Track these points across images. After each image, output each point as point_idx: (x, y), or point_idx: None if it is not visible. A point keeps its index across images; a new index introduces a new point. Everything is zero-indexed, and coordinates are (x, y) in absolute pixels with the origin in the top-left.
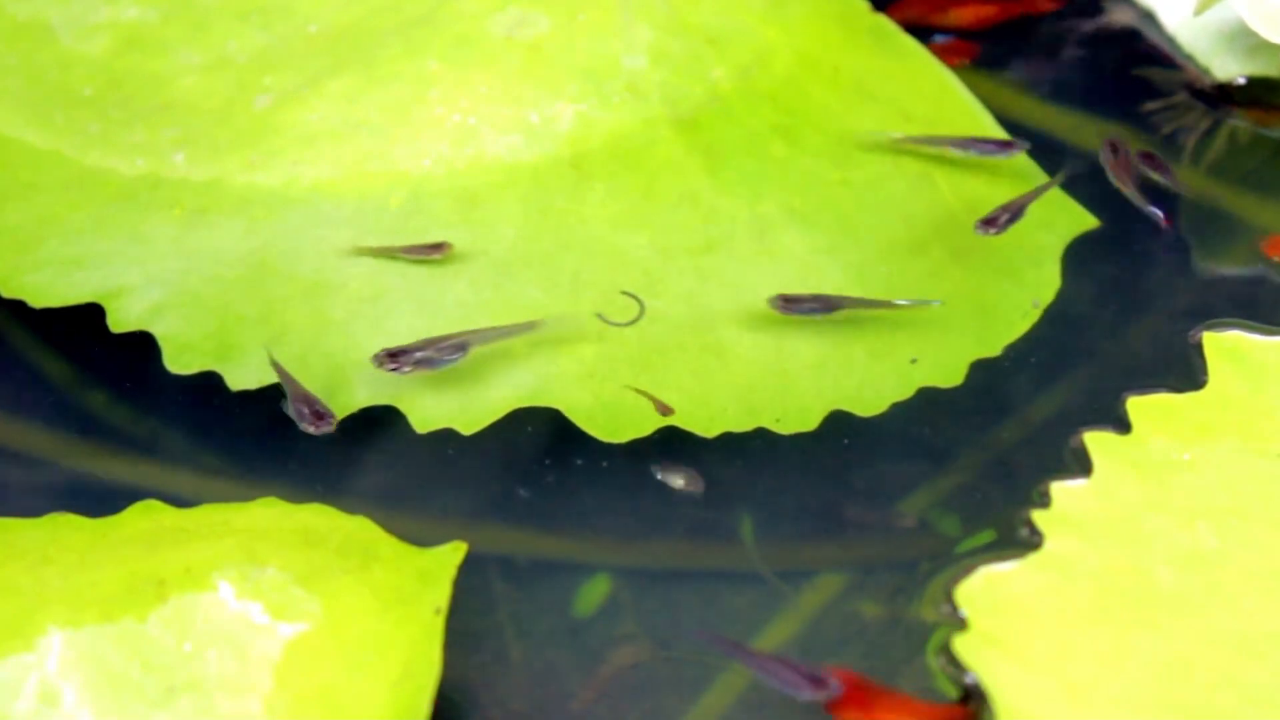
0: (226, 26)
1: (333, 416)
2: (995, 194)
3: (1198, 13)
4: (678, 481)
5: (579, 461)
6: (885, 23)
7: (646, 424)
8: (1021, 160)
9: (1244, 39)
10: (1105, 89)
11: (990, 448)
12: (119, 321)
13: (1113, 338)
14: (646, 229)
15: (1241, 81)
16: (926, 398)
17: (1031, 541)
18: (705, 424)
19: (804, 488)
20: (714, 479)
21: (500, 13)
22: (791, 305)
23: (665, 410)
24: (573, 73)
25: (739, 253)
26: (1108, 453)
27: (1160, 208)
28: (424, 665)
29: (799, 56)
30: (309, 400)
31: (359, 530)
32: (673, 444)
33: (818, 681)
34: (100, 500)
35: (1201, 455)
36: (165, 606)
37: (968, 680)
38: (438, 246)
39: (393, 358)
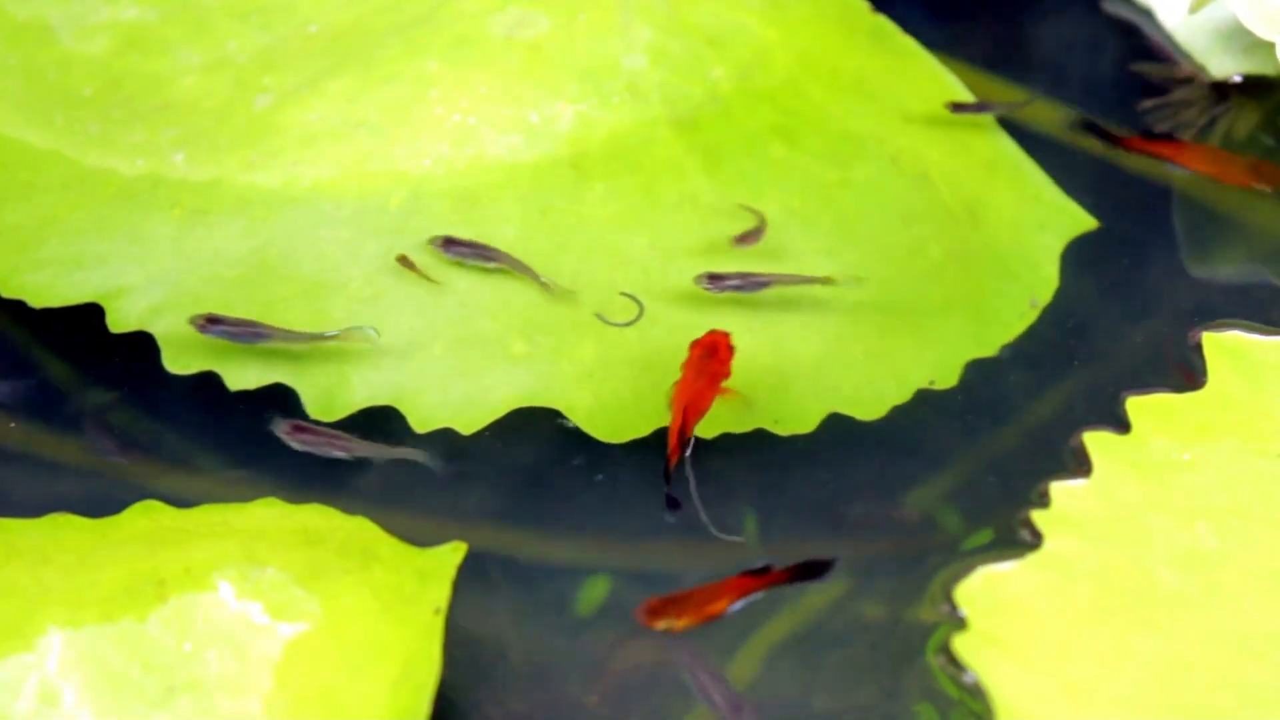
0: (226, 26)
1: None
2: (993, 193)
3: (1193, 11)
4: None
5: (579, 461)
6: (885, 23)
7: (646, 425)
8: (1022, 160)
9: (1240, 37)
10: (1104, 87)
11: (990, 448)
12: (119, 321)
13: (1113, 338)
14: (646, 229)
15: (1238, 80)
16: (925, 397)
17: (1031, 541)
18: (705, 424)
19: (804, 487)
20: (714, 479)
21: (500, 13)
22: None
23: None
24: (573, 73)
25: (739, 253)
26: (1108, 453)
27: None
28: (424, 665)
29: (799, 56)
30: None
31: (359, 530)
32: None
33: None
34: (100, 500)
35: (1201, 455)
36: (165, 606)
37: (967, 680)
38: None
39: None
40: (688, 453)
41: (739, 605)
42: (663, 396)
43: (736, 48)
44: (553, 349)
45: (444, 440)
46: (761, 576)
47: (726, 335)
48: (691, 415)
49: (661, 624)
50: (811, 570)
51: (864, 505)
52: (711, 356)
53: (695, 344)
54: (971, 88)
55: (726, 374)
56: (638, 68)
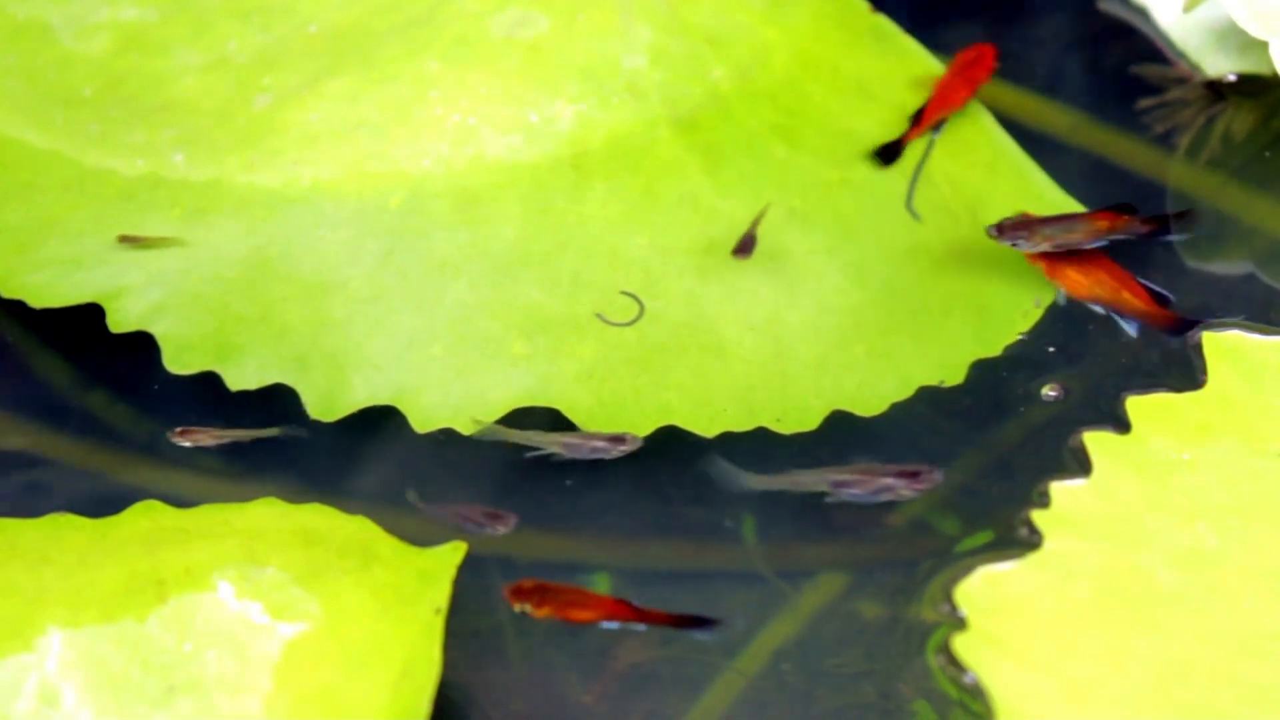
0: (226, 26)
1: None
2: (994, 193)
3: (1187, 9)
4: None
5: (578, 461)
6: (885, 23)
7: (646, 424)
8: (1022, 159)
9: (1234, 36)
10: (1103, 87)
11: (990, 448)
12: (119, 321)
13: (1113, 338)
14: (646, 229)
15: (1233, 79)
16: (926, 397)
17: (1031, 541)
18: (705, 424)
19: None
20: (714, 479)
21: (500, 13)
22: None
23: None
24: (573, 73)
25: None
26: (1108, 452)
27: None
28: (424, 665)
29: (799, 56)
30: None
31: (359, 530)
32: (673, 444)
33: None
34: (100, 500)
35: (1201, 455)
36: (165, 606)
37: (967, 680)
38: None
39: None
40: (936, 134)
41: (613, 626)
42: (662, 396)
43: (736, 48)
44: (553, 349)
45: (443, 438)
46: (637, 610)
47: (993, 49)
48: (941, 103)
49: (519, 606)
50: (696, 623)
51: (863, 505)
52: (976, 64)
53: (963, 51)
54: None
55: (985, 80)
56: (638, 68)
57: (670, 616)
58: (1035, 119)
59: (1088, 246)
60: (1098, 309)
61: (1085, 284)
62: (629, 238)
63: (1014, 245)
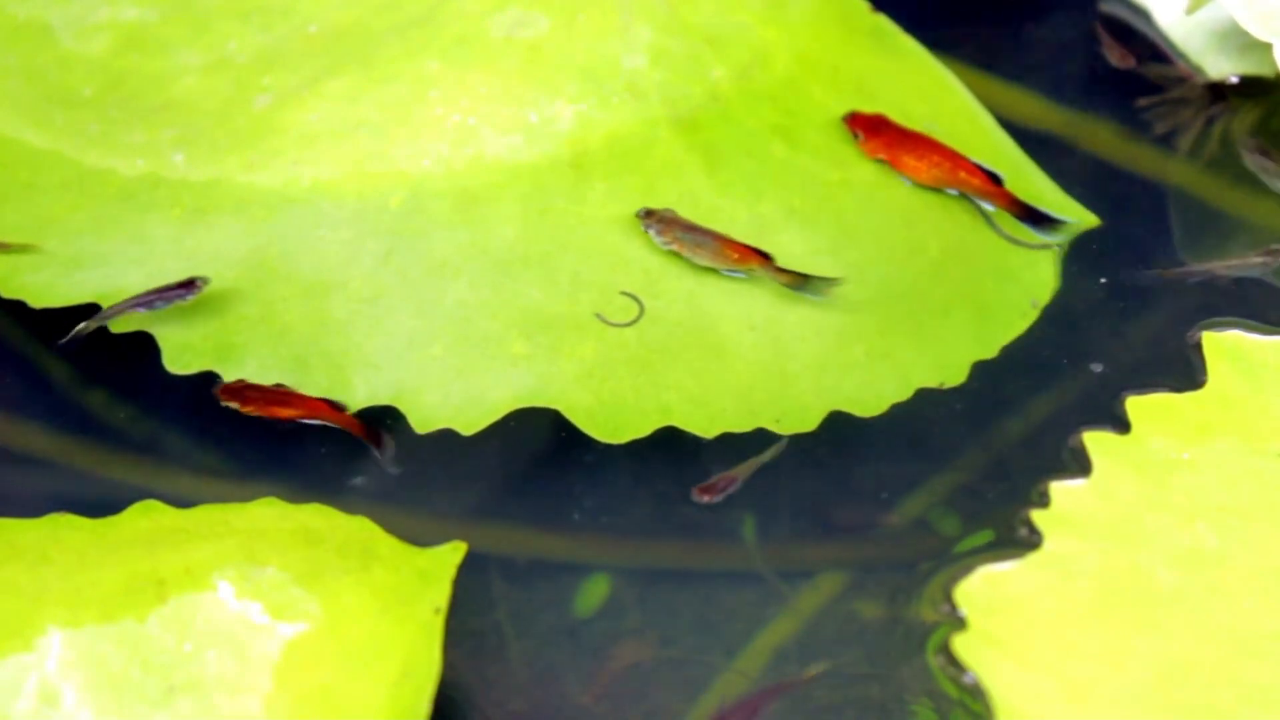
0: (226, 26)
1: None
2: None
3: (1189, 11)
4: None
5: (578, 461)
6: (885, 23)
7: (646, 424)
8: (1021, 159)
9: (1236, 38)
10: (1103, 87)
11: (990, 448)
12: (119, 321)
13: (1113, 338)
14: None
15: (1234, 80)
16: (926, 397)
17: (1031, 541)
18: (705, 424)
19: (804, 488)
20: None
21: (500, 13)
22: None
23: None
24: (573, 73)
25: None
26: (1107, 452)
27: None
28: (424, 665)
29: (799, 56)
30: None
31: (359, 530)
32: (672, 444)
33: None
34: (100, 500)
35: (1201, 455)
36: (165, 606)
37: (967, 680)
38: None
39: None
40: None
41: (313, 422)
42: (662, 396)
43: (736, 48)
44: (553, 349)
45: (444, 437)
46: (335, 411)
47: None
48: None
49: (228, 402)
50: (375, 439)
51: (863, 505)
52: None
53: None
54: (971, 87)
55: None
56: (638, 68)
57: (360, 426)
58: (1035, 119)
59: (725, 270)
60: (951, 192)
61: (923, 168)
62: (629, 238)
63: (646, 230)
